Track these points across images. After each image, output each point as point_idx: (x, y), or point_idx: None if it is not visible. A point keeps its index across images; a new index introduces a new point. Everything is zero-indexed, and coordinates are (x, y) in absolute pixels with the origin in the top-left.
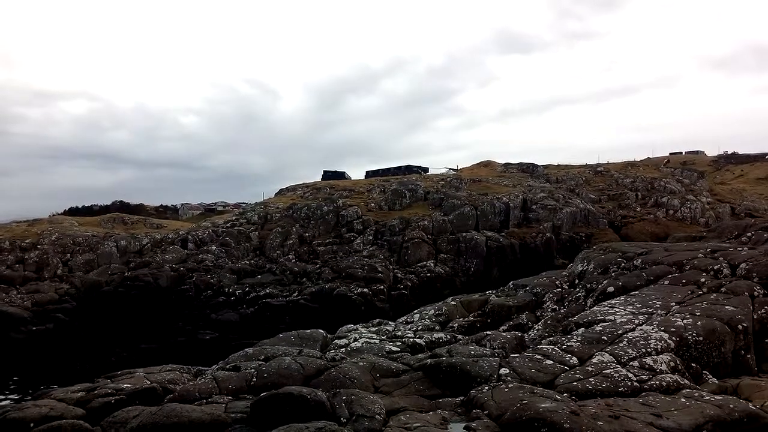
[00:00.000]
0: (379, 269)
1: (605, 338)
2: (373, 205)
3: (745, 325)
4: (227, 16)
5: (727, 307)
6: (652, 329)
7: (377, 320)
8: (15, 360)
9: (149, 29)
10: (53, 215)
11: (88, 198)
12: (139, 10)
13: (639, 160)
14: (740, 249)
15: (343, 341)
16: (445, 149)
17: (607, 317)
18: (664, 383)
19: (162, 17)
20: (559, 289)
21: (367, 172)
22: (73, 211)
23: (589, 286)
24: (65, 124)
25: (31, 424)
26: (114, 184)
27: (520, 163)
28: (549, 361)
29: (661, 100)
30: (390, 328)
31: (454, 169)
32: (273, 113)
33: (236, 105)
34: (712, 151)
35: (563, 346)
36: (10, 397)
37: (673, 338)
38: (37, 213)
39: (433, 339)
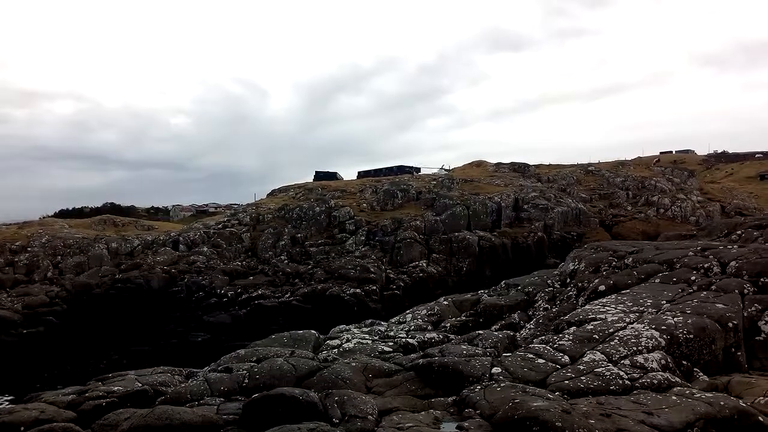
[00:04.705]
0: (372, 270)
1: (597, 337)
2: (365, 205)
3: (735, 322)
4: (216, 15)
5: (717, 304)
6: (643, 327)
7: (370, 321)
8: (5, 363)
9: (137, 29)
10: (43, 217)
11: (78, 199)
12: (127, 10)
13: (630, 159)
14: (730, 247)
15: (336, 342)
16: (436, 149)
17: (598, 316)
18: (655, 381)
19: (150, 17)
20: (550, 288)
21: (359, 172)
22: (63, 213)
23: (580, 285)
24: (52, 125)
25: (22, 428)
26: (104, 186)
27: (512, 162)
28: (541, 360)
29: (652, 98)
30: (382, 329)
31: (446, 169)
32: (263, 113)
33: (226, 105)
34: (702, 150)
35: (555, 345)
36: (0, 400)
37: (664, 336)
38: (26, 215)
39: (426, 339)
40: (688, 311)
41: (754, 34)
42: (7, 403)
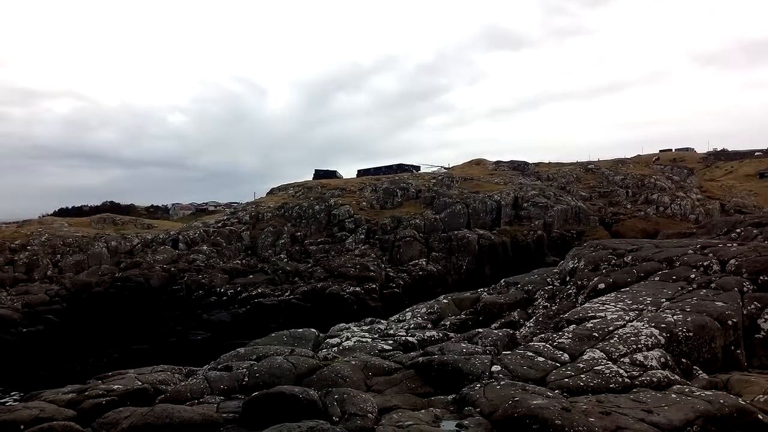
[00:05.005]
0: (371, 268)
1: (596, 335)
2: (364, 203)
3: (734, 320)
4: (214, 14)
5: (716, 302)
6: (643, 325)
7: (369, 319)
8: (5, 362)
9: (135, 27)
10: (43, 216)
11: (77, 198)
12: (125, 8)
13: (629, 157)
14: (730, 245)
15: (336, 340)
16: (435, 147)
17: (598, 314)
18: (655, 379)
19: (148, 15)
20: (550, 287)
21: (358, 170)
22: (63, 212)
23: (580, 283)
24: (51, 123)
25: (21, 426)
26: (103, 184)
27: (511, 161)
28: (540, 358)
29: (651, 96)
30: (382, 327)
31: (445, 168)
32: (262, 111)
33: (224, 103)
34: (701, 148)
35: (555, 343)
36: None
37: (664, 334)
38: (25, 214)
39: (425, 337)
40: (688, 309)
41: (753, 34)
42: (12, 401)
